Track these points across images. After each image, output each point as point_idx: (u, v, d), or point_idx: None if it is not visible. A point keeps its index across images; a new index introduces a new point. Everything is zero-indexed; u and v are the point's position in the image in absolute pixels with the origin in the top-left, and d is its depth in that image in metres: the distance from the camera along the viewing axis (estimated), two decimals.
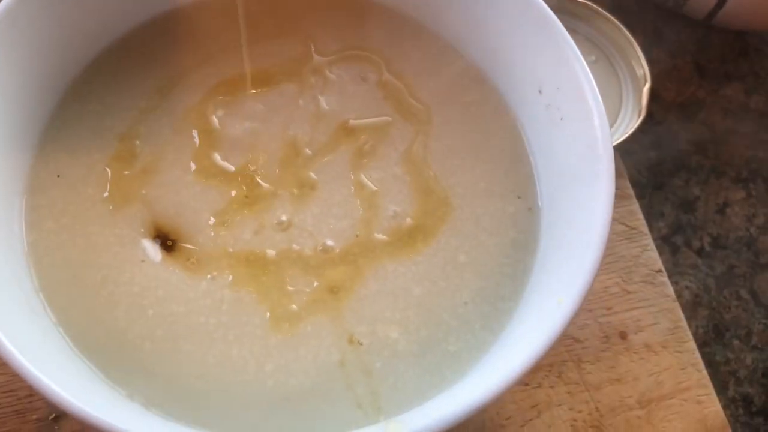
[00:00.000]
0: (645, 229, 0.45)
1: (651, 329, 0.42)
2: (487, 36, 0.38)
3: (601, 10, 0.49)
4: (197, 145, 0.36)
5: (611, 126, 0.46)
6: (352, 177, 0.36)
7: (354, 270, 0.34)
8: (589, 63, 0.49)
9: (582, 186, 0.33)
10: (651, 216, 0.50)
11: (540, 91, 0.35)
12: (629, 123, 0.46)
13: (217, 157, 0.36)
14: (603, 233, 0.30)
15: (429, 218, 0.35)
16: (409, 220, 0.35)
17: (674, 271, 0.49)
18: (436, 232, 0.35)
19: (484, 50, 0.38)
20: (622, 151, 0.48)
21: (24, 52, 0.34)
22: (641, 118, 0.46)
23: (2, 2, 0.32)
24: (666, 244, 0.49)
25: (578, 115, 0.33)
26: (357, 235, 0.35)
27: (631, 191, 0.46)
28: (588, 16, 0.49)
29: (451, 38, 0.39)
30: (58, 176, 0.35)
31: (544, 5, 0.35)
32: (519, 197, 0.36)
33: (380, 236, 0.35)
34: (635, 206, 0.46)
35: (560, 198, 0.35)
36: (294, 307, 0.33)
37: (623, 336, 0.42)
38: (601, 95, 0.47)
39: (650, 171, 0.52)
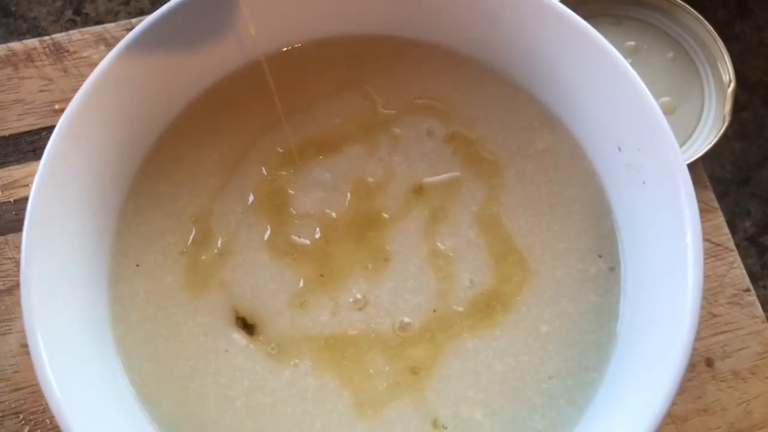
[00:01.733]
0: (731, 244, 0.43)
1: (739, 354, 0.41)
2: (558, 80, 0.35)
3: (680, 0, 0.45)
4: (268, 222, 0.36)
5: (690, 136, 0.44)
6: (425, 245, 0.35)
7: (433, 348, 0.34)
8: (666, 61, 0.46)
9: (667, 250, 0.31)
10: (735, 215, 0.48)
11: (619, 149, 0.33)
12: (710, 130, 0.43)
13: (288, 233, 0.35)
14: (693, 313, 0.29)
15: (507, 285, 0.34)
16: (486, 289, 0.34)
17: (763, 275, 0.47)
18: (516, 301, 0.34)
19: (555, 94, 0.36)
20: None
21: (92, 147, 0.34)
22: (725, 124, 0.43)
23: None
24: (753, 245, 0.47)
25: (662, 183, 0.31)
26: (434, 311, 0.34)
27: (715, 203, 0.44)
28: (666, 7, 0.46)
29: (521, 81, 0.37)
30: (137, 265, 0.35)
31: (618, 54, 0.32)
32: (600, 256, 0.35)
33: (458, 308, 0.34)
34: (720, 220, 0.44)
35: (643, 258, 0.33)
36: (376, 390, 0.33)
37: (709, 363, 0.41)
38: (681, 98, 0.45)
39: (734, 164, 0.49)
